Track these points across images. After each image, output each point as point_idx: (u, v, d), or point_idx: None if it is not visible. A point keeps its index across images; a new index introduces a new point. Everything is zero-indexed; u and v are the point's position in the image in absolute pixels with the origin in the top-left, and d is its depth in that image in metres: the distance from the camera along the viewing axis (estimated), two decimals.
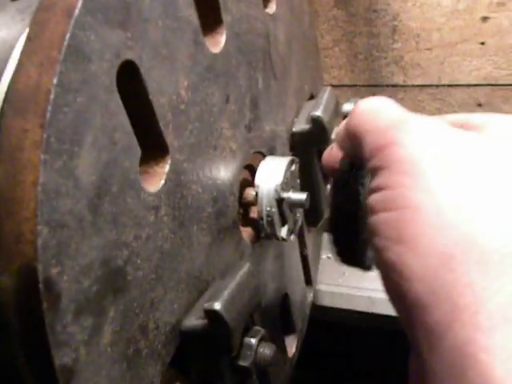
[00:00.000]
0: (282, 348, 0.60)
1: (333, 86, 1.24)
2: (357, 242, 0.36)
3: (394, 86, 1.18)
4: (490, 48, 1.08)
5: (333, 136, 0.54)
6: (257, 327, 0.41)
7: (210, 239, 0.41)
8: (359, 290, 0.84)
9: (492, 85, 1.13)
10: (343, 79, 1.22)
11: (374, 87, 1.20)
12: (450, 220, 0.24)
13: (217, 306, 0.35)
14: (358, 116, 0.32)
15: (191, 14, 0.36)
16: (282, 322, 0.57)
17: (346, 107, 0.50)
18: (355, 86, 1.20)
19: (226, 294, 0.36)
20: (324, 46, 1.19)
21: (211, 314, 0.36)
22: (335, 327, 0.86)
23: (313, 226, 0.64)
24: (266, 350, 0.40)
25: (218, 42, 0.41)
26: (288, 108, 0.55)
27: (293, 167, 0.48)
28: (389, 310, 0.79)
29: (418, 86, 1.17)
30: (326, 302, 0.84)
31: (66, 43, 0.26)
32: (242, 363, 0.39)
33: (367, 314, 0.83)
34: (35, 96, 0.26)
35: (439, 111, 1.17)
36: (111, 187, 0.30)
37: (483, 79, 1.11)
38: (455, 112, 1.15)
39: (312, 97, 0.63)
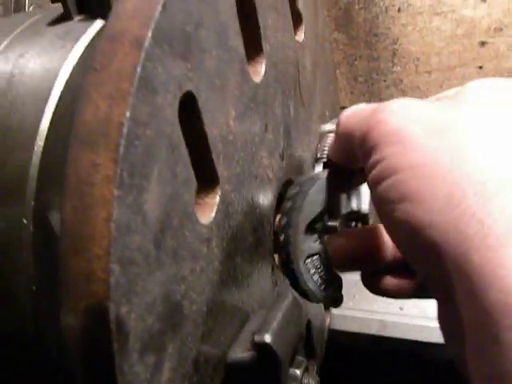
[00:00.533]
0: None
1: None
2: None
3: None
4: (487, 72, 1.10)
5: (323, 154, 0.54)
6: (300, 357, 0.40)
7: (251, 269, 0.40)
8: (371, 313, 0.83)
9: None
10: (343, 101, 1.22)
11: None
12: (443, 167, 0.27)
13: (267, 338, 0.35)
14: (343, 120, 0.36)
15: (239, 44, 0.36)
16: (305, 348, 0.57)
17: (327, 127, 0.51)
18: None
19: (274, 325, 0.36)
20: None
21: (261, 347, 0.35)
22: (347, 350, 0.85)
23: None
24: (311, 381, 0.39)
25: (258, 72, 0.40)
26: (313, 134, 0.55)
27: None
28: (400, 333, 0.78)
29: None
30: (338, 325, 0.83)
31: (137, 75, 0.25)
32: None
33: (379, 337, 0.82)
34: (106, 129, 0.25)
35: None
36: (172, 221, 0.29)
37: None
38: None
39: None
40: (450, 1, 1.05)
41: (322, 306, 0.66)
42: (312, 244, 0.42)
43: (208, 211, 0.34)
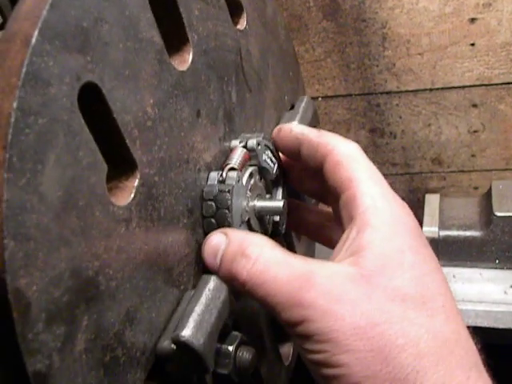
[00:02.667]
0: (277, 356, 0.61)
1: (328, 96, 1.26)
2: None
3: (388, 92, 1.20)
4: (480, 49, 1.09)
5: None
6: (234, 333, 0.42)
7: (188, 249, 0.43)
8: None
9: (486, 85, 1.14)
10: (338, 89, 1.23)
11: (369, 95, 1.21)
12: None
13: (183, 336, 0.37)
14: (253, 273, 0.38)
15: (154, 35, 0.38)
16: (272, 330, 0.58)
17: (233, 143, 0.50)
18: (350, 95, 1.22)
19: (192, 318, 0.37)
20: (316, 59, 1.21)
21: (180, 344, 0.37)
22: None
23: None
24: (245, 355, 0.41)
25: (184, 60, 0.43)
26: (266, 118, 0.57)
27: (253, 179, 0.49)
28: None
29: (412, 91, 1.18)
30: None
31: (23, 70, 0.28)
32: (222, 371, 0.40)
33: None
34: None
35: (435, 114, 1.19)
36: (78, 202, 0.31)
37: (476, 80, 1.12)
38: (451, 115, 1.16)
39: (293, 107, 0.64)
40: None
41: None
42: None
43: (127, 193, 0.36)
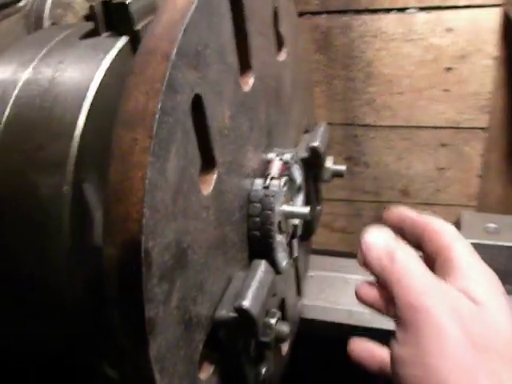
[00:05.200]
0: (278, 347, 0.69)
1: None
2: None
3: (366, 125, 1.30)
4: (453, 95, 1.21)
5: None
6: (274, 309, 0.50)
7: (237, 239, 0.51)
8: (339, 304, 0.94)
9: (454, 127, 1.25)
10: (323, 116, 1.33)
11: (349, 125, 1.32)
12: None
13: (245, 304, 0.45)
14: (396, 270, 0.39)
15: (234, 61, 0.47)
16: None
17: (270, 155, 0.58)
18: (331, 123, 1.32)
19: (250, 292, 0.46)
20: None
21: (241, 311, 0.45)
22: (317, 338, 0.95)
23: (305, 240, 0.74)
24: (284, 328, 0.49)
25: (247, 83, 0.51)
26: (290, 138, 0.66)
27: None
28: (365, 321, 0.88)
29: (388, 126, 1.29)
30: (309, 314, 0.93)
31: (166, 79, 0.36)
32: (264, 339, 0.48)
33: (346, 325, 0.93)
34: (143, 115, 0.36)
35: (407, 150, 1.30)
36: (183, 186, 0.40)
37: (447, 122, 1.24)
38: (422, 151, 1.28)
39: (306, 131, 0.74)
40: (420, 29, 1.16)
41: (294, 290, 0.77)
42: None
43: (207, 186, 0.44)
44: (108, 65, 0.47)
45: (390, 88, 1.23)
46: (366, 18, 1.18)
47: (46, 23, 0.77)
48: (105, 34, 0.52)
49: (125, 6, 0.49)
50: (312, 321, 0.94)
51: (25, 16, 0.75)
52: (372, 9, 1.18)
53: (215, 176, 0.45)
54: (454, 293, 0.37)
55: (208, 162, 0.44)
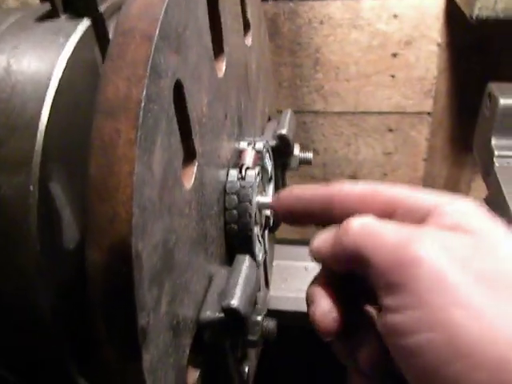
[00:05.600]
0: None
1: None
2: None
3: (315, 112, 1.30)
4: (399, 80, 1.23)
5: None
6: (259, 306, 0.48)
7: (216, 234, 0.48)
8: (302, 292, 0.93)
9: (401, 113, 1.27)
10: None
11: (297, 113, 1.31)
12: (497, 331, 0.26)
13: (233, 303, 0.42)
14: (357, 235, 0.32)
15: (209, 43, 0.44)
16: None
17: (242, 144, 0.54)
18: (280, 111, 1.31)
19: (238, 290, 0.43)
20: None
21: (229, 311, 0.42)
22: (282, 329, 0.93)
23: (272, 232, 0.72)
24: (270, 324, 0.47)
25: (220, 69, 0.48)
26: (257, 126, 0.63)
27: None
28: None
29: (336, 112, 1.29)
30: (274, 305, 0.92)
31: (150, 63, 0.33)
32: (251, 338, 0.46)
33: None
34: (126, 104, 0.32)
35: (355, 135, 1.30)
36: (168, 181, 0.36)
37: (393, 107, 1.26)
38: (369, 136, 1.29)
39: (269, 118, 0.71)
40: (367, 15, 1.16)
41: (263, 283, 0.74)
42: None
43: (189, 179, 0.41)
44: (71, 50, 0.43)
45: (337, 74, 1.23)
46: (314, 3, 1.17)
47: None
48: (63, 17, 0.47)
49: None
50: (276, 312, 0.92)
51: None
52: None
53: (195, 168, 0.42)
54: (440, 232, 0.30)
55: (188, 154, 0.41)
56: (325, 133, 1.33)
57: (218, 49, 0.47)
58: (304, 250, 1.03)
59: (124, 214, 0.31)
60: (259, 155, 0.55)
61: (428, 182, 1.35)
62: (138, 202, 0.32)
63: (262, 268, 0.71)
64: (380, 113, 1.27)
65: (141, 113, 0.32)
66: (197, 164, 0.42)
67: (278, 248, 1.02)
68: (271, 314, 0.90)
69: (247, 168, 0.51)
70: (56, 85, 0.41)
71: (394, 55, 1.21)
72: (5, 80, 0.42)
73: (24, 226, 0.40)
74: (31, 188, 0.39)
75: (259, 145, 0.55)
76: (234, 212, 0.49)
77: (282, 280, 0.95)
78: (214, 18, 0.45)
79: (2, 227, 0.40)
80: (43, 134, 0.40)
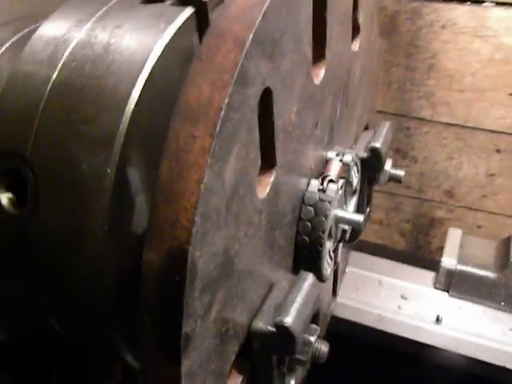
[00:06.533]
0: None
1: None
2: None
3: (421, 119, 1.24)
4: None
5: None
6: (314, 326, 0.46)
7: (284, 243, 0.47)
8: (370, 306, 0.90)
9: None
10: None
11: (402, 117, 1.26)
12: None
13: (287, 321, 0.40)
14: None
15: (308, 51, 0.42)
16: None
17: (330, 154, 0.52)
18: (384, 112, 1.26)
19: (294, 308, 0.41)
20: None
21: (281, 328, 0.41)
22: (344, 338, 0.91)
23: (350, 243, 0.70)
24: (323, 347, 0.45)
25: (318, 75, 0.46)
26: (350, 134, 0.61)
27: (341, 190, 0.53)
28: (396, 329, 0.84)
29: (443, 123, 1.23)
30: (338, 312, 0.90)
31: (237, 69, 0.31)
32: (300, 357, 0.44)
33: (375, 329, 0.89)
34: (206, 110, 0.31)
35: (459, 150, 1.23)
36: (239, 191, 0.35)
37: (506, 128, 1.17)
38: (474, 154, 1.22)
39: (367, 127, 0.68)
40: (494, 26, 1.08)
41: (330, 291, 0.73)
42: None
43: (264, 188, 0.40)
44: (170, 37, 0.43)
45: (450, 83, 1.17)
46: (438, 5, 1.11)
47: None
48: (169, 1, 0.47)
49: None
50: (340, 319, 0.90)
51: None
52: None
53: (273, 177, 0.40)
54: None
55: (268, 162, 0.40)
56: (428, 142, 1.27)
57: (318, 55, 0.46)
58: (382, 262, 1.00)
59: (185, 221, 0.31)
60: (345, 168, 0.53)
61: None
62: (202, 211, 0.31)
63: (330, 277, 0.69)
64: (491, 131, 1.19)
65: (219, 121, 0.31)
66: (275, 173, 0.41)
67: (356, 255, 0.99)
68: (334, 320, 0.89)
69: (330, 180, 0.49)
70: (150, 69, 0.41)
71: None
72: (102, 58, 0.43)
73: (97, 206, 0.41)
74: (108, 170, 0.40)
75: (347, 157, 0.52)
76: (308, 224, 0.48)
77: (353, 289, 0.92)
78: (318, 24, 0.43)
79: (75, 203, 0.41)
80: (128, 119, 0.40)
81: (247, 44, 0.32)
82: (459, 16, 1.10)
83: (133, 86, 0.41)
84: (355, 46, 0.56)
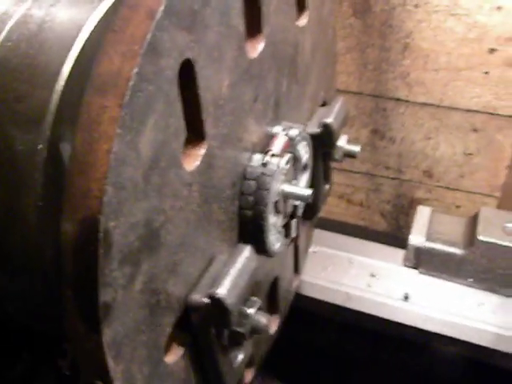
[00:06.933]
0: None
1: (339, 90, 1.30)
2: None
3: (397, 99, 1.24)
4: (492, 78, 1.13)
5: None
6: (254, 298, 0.47)
7: (225, 217, 0.47)
8: (339, 284, 0.90)
9: (490, 113, 1.18)
10: (350, 86, 1.27)
11: (378, 98, 1.25)
12: None
13: (220, 293, 0.41)
14: None
15: (240, 23, 0.42)
16: (268, 301, 0.64)
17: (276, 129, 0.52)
18: (360, 93, 1.26)
19: (228, 280, 0.42)
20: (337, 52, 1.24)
21: (214, 300, 0.41)
22: (311, 317, 0.92)
23: (308, 220, 0.70)
24: (262, 319, 0.46)
25: (255, 49, 0.46)
26: (303, 111, 0.61)
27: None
28: (363, 307, 0.85)
29: (419, 103, 1.22)
30: (307, 291, 0.90)
31: (147, 41, 0.32)
32: (239, 329, 0.45)
33: (343, 308, 0.89)
34: (116, 80, 0.31)
35: (436, 130, 1.23)
36: (160, 163, 0.36)
37: (482, 107, 1.17)
38: (451, 133, 1.22)
39: (324, 103, 0.69)
40: (467, 4, 1.07)
41: (291, 268, 0.73)
42: None
43: (193, 160, 0.40)
44: (102, 13, 0.43)
45: (426, 63, 1.16)
46: None
47: None
48: None
49: None
50: (309, 298, 0.91)
51: None
52: None
53: (204, 150, 0.41)
54: None
55: (196, 135, 0.40)
56: (405, 122, 1.27)
57: (253, 29, 0.46)
58: (352, 241, 1.00)
59: (96, 191, 0.31)
60: (291, 142, 0.53)
61: (507, 193, 1.26)
62: (114, 181, 0.31)
63: (290, 253, 0.70)
64: (466, 110, 1.19)
65: (128, 91, 0.31)
66: (207, 146, 0.41)
67: (326, 234, 0.99)
68: (302, 299, 0.90)
69: (273, 155, 0.50)
70: (80, 46, 0.42)
71: (491, 51, 1.11)
72: (36, 36, 0.43)
73: (30, 181, 0.41)
74: (39, 147, 0.40)
75: (293, 131, 0.53)
76: (250, 198, 0.48)
77: (322, 268, 0.93)
78: None
79: (11, 180, 0.42)
80: (59, 96, 0.41)
81: (158, 15, 0.32)
82: None
83: (63, 62, 0.42)
84: (302, 21, 0.56)
